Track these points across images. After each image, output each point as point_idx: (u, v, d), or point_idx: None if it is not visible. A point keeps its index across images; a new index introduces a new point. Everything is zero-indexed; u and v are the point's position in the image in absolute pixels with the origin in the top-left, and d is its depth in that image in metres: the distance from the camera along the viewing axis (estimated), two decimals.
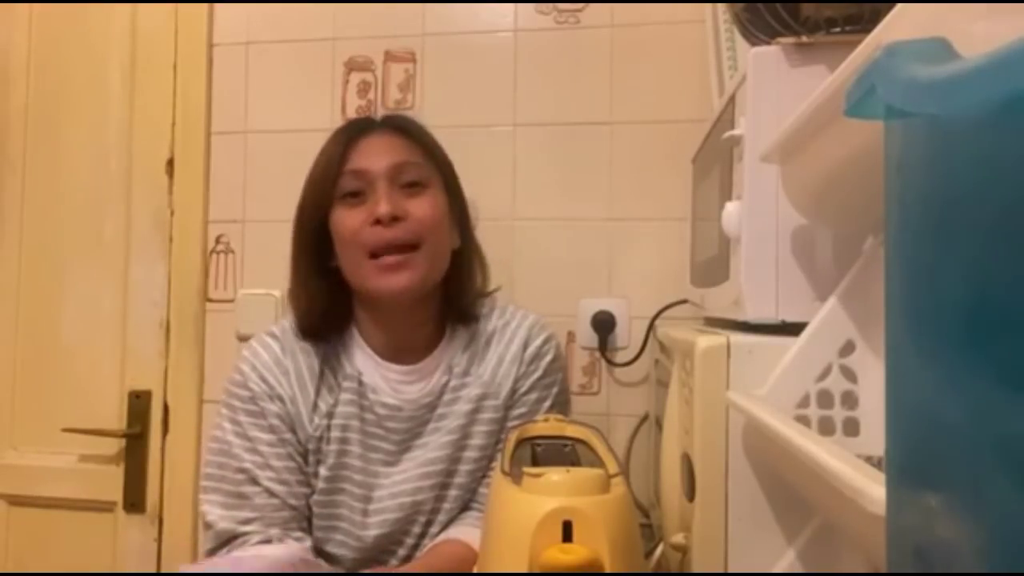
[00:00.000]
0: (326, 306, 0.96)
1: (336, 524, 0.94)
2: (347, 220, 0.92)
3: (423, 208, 0.92)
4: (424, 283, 0.93)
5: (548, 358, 1.01)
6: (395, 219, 0.89)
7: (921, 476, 0.29)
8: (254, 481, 0.91)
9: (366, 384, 0.95)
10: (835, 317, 0.59)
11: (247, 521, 0.89)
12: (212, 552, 0.90)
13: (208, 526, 0.91)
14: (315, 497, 0.94)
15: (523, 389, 0.99)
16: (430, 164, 0.96)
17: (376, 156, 0.93)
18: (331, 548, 0.94)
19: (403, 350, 0.97)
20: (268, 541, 0.89)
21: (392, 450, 0.95)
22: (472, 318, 1.00)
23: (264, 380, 0.94)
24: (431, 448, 0.95)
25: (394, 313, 0.96)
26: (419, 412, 0.96)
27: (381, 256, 0.90)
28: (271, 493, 0.90)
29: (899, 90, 0.29)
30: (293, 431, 0.93)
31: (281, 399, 0.93)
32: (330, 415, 0.94)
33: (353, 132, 0.96)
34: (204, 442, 1.00)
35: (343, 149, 0.93)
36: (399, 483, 0.94)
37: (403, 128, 0.98)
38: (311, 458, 0.94)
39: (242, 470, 0.91)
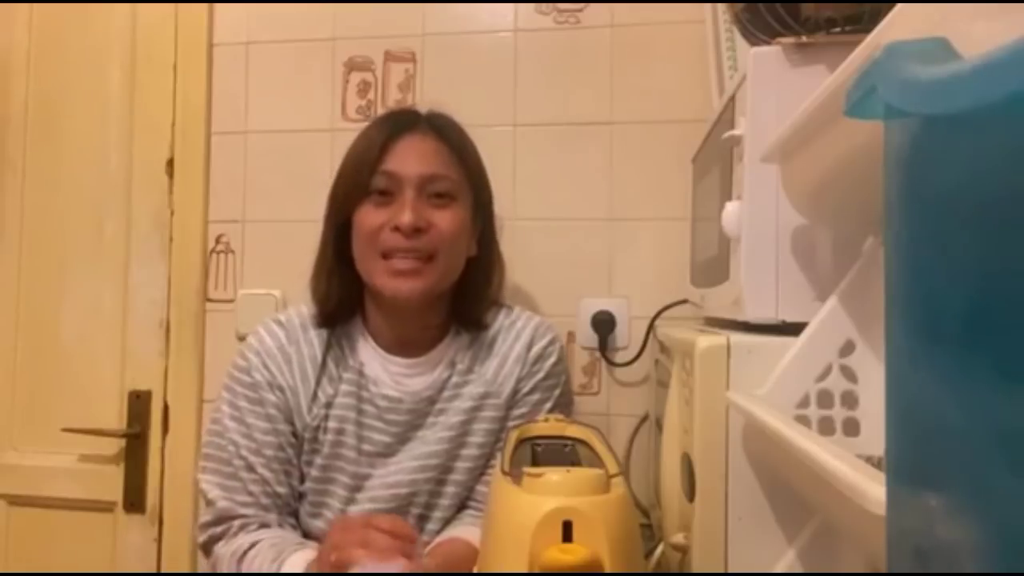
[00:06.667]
0: (344, 294, 0.98)
1: (322, 512, 0.96)
2: (370, 218, 0.92)
3: (445, 221, 0.93)
4: (431, 291, 0.94)
5: (551, 360, 1.02)
6: (416, 230, 0.90)
7: (921, 476, 0.28)
8: (249, 467, 0.93)
9: (367, 376, 0.97)
10: (835, 317, 0.59)
11: (245, 504, 0.92)
12: (207, 526, 0.92)
13: (209, 502, 0.94)
14: (307, 485, 0.96)
15: (525, 390, 0.99)
16: (462, 175, 0.96)
17: (411, 161, 0.93)
18: (319, 536, 0.95)
19: (408, 344, 0.99)
20: (267, 525, 0.92)
21: (389, 442, 0.96)
22: (480, 326, 1.00)
23: (267, 368, 0.96)
24: (428, 442, 0.96)
25: (401, 313, 0.97)
26: (419, 405, 0.97)
27: (393, 257, 0.91)
28: (263, 480, 0.93)
29: (899, 90, 0.29)
30: (290, 421, 0.95)
31: (281, 389, 0.95)
32: (329, 405, 0.96)
33: (394, 128, 0.95)
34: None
35: (381, 145, 0.93)
36: (393, 473, 0.95)
37: (443, 133, 0.97)
38: (307, 447, 0.96)
39: (237, 455, 0.93)
